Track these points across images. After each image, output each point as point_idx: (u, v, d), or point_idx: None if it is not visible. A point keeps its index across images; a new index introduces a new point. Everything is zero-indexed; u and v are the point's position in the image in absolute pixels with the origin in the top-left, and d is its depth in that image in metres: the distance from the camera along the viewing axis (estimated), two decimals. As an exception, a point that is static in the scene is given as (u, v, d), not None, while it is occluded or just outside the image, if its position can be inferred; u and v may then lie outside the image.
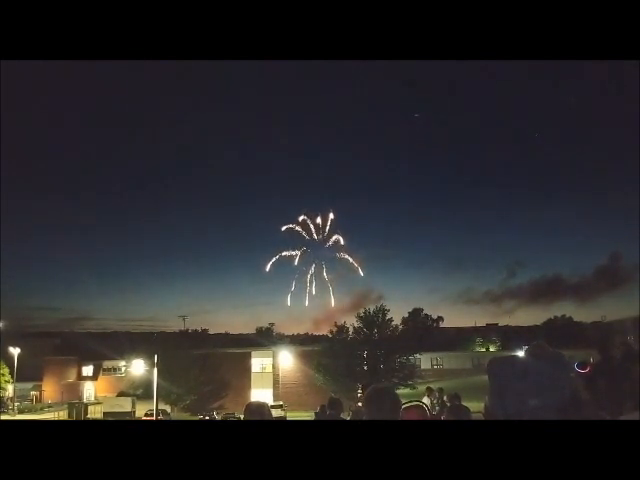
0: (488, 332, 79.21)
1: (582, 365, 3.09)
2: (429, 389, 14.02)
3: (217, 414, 40.73)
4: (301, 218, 58.79)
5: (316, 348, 49.24)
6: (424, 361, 58.60)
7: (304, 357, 50.89)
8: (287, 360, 53.18)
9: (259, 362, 54.38)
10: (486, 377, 1.82)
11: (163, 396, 41.98)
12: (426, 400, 11.77)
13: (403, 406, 2.96)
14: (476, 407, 5.10)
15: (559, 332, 63.05)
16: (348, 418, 9.17)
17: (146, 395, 45.45)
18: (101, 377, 60.85)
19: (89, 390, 58.90)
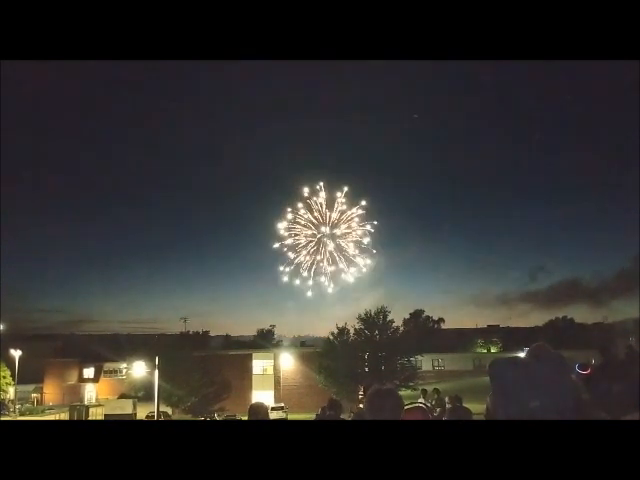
0: (489, 333, 78.97)
1: (583, 366, 3.07)
2: (424, 391, 14.01)
3: (218, 416, 40.67)
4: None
5: (317, 350, 49.13)
6: (425, 363, 58.42)
7: (305, 359, 50.79)
8: (288, 362, 53.11)
9: (260, 364, 54.31)
10: (487, 378, 1.81)
11: (164, 398, 41.90)
12: (422, 401, 11.77)
13: (405, 407, 2.95)
14: (477, 408, 5.09)
15: (560, 333, 62.89)
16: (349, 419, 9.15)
17: (147, 397, 45.37)
18: (102, 379, 60.83)
19: (90, 392, 58.90)
